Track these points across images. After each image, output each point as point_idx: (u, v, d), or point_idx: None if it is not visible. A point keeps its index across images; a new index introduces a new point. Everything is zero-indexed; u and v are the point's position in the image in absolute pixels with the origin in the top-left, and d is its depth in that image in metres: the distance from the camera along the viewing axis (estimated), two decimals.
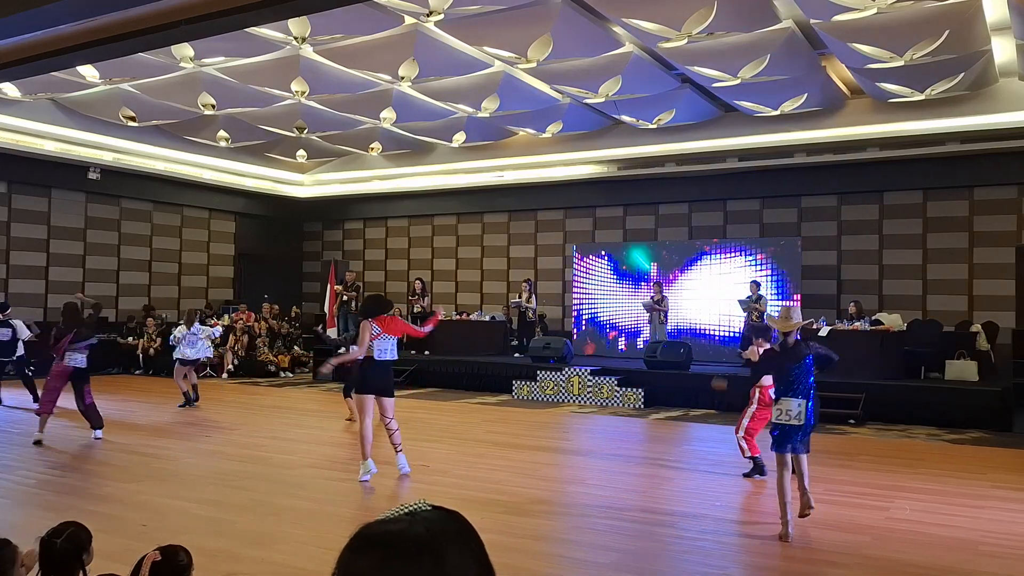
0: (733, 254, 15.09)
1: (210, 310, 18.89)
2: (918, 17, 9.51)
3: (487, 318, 16.47)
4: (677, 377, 12.82)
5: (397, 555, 0.94)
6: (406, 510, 1.01)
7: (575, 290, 16.68)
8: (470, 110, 14.20)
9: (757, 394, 7.39)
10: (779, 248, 14.69)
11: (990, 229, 13.94)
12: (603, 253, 16.44)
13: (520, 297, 15.97)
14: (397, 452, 7.39)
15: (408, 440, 9.33)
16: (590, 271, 16.48)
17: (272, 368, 16.94)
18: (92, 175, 16.91)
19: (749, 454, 7.45)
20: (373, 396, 7.18)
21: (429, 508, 1.02)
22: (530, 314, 15.86)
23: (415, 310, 17.28)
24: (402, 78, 12.02)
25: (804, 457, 5.76)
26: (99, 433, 9.12)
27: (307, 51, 11.68)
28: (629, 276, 16.03)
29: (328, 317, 16.37)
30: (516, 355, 15.46)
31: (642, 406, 12.55)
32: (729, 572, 4.93)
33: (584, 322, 16.46)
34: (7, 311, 12.37)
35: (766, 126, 14.11)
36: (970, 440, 9.97)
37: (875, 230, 14.93)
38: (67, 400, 12.36)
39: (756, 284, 13.90)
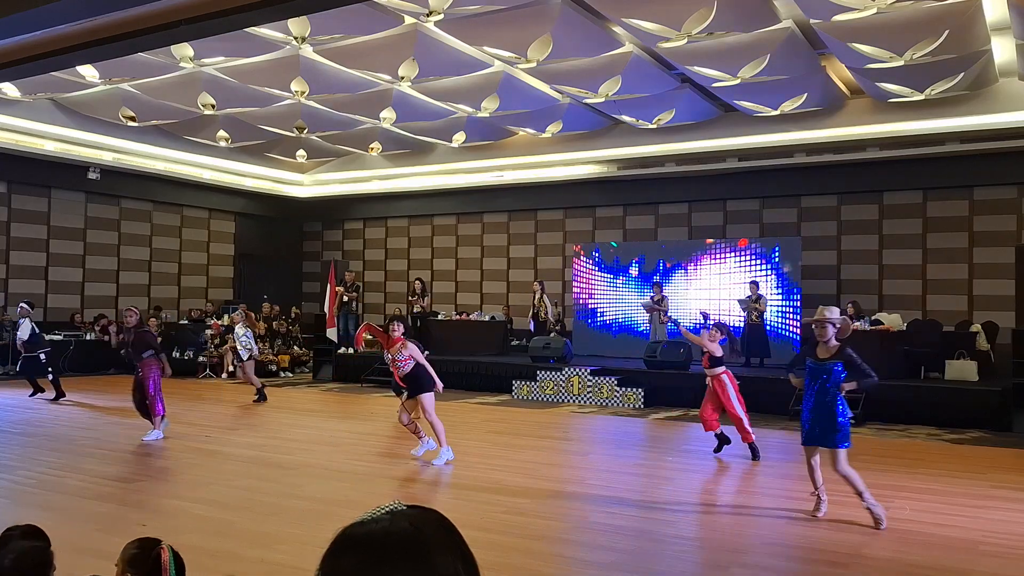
0: (732, 254, 15.11)
1: (211, 307, 18.91)
2: (918, 17, 9.52)
3: (487, 318, 16.47)
4: (677, 377, 12.82)
5: (383, 553, 0.93)
6: (384, 510, 0.99)
7: (575, 289, 16.69)
8: (470, 110, 14.20)
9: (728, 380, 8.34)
10: (779, 247, 14.71)
11: (990, 229, 13.94)
12: (603, 257, 16.44)
13: (534, 299, 16.13)
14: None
15: (408, 440, 9.34)
16: (592, 271, 16.49)
17: (272, 368, 16.94)
18: (92, 175, 16.91)
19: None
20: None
21: (406, 507, 1.01)
22: (543, 315, 15.93)
23: (415, 310, 17.28)
24: (402, 78, 12.02)
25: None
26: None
27: (307, 51, 11.68)
28: (630, 274, 16.04)
29: (328, 317, 16.38)
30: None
31: (642, 406, 12.54)
32: (729, 572, 4.93)
33: (587, 320, 16.47)
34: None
35: (766, 126, 14.11)
36: (970, 440, 9.97)
37: (875, 230, 14.93)
38: (69, 397, 12.39)
39: (755, 284, 13.91)
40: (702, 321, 10.07)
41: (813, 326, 5.94)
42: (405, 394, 8.17)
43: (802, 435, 5.97)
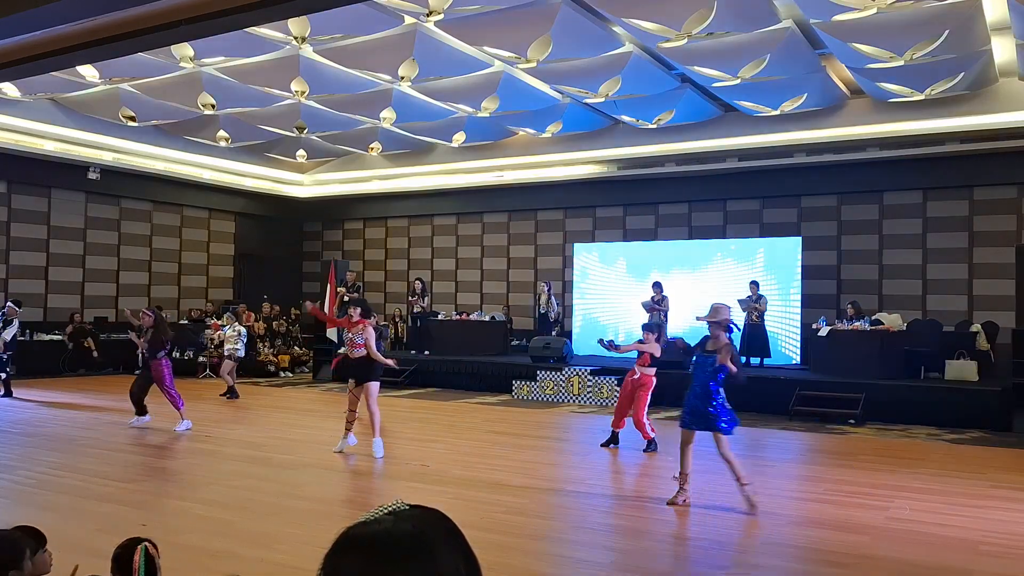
0: (733, 254, 15.11)
1: (211, 307, 18.92)
2: (918, 17, 9.52)
3: (487, 318, 16.48)
4: (677, 377, 12.77)
5: (387, 555, 0.93)
6: (386, 510, 1.00)
7: (575, 289, 16.71)
8: (470, 110, 14.20)
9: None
10: (778, 248, 14.72)
11: (990, 229, 13.94)
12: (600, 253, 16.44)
13: (541, 299, 16.19)
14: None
15: (408, 440, 9.36)
16: (591, 271, 16.49)
17: (272, 368, 16.93)
18: (92, 175, 16.91)
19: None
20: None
21: (408, 507, 1.01)
22: (552, 315, 15.96)
23: (415, 310, 17.28)
24: (402, 78, 12.02)
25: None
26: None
27: (307, 51, 11.68)
28: (631, 274, 16.05)
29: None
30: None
31: None
32: (729, 572, 4.92)
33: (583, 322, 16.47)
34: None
35: (766, 126, 14.10)
36: (970, 440, 9.97)
37: (875, 230, 14.92)
38: (69, 397, 12.39)
39: (755, 284, 13.91)
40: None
41: (709, 325, 6.42)
42: (352, 382, 8.54)
43: (682, 419, 6.46)
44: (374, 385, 8.38)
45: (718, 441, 6.18)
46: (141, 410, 9.92)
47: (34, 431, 9.64)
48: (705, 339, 6.48)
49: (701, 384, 6.29)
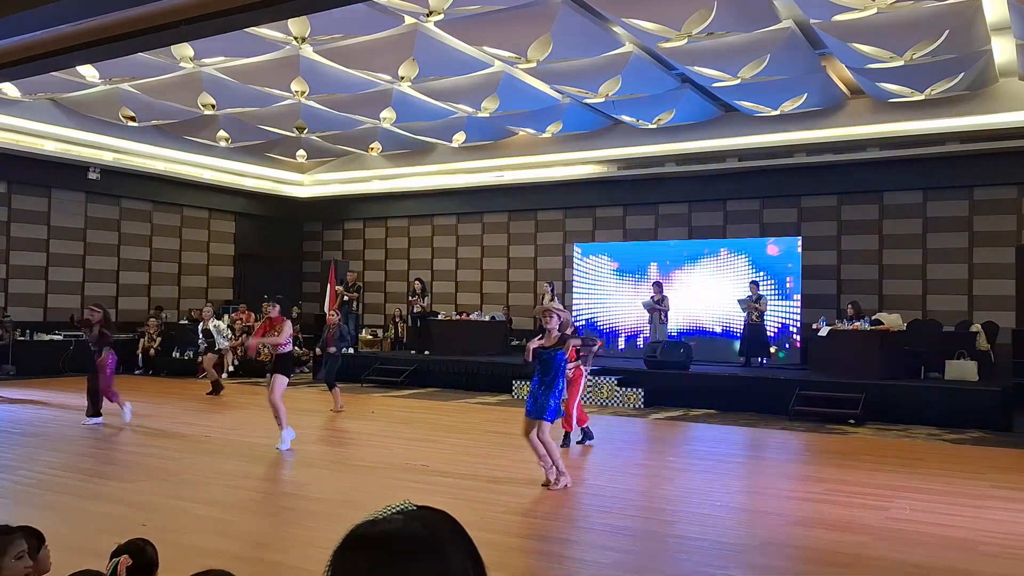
0: (733, 253, 15.12)
1: (211, 306, 18.95)
2: (918, 17, 9.52)
3: (487, 318, 16.47)
4: (677, 377, 12.82)
5: (397, 553, 0.94)
6: (395, 510, 1.00)
7: (575, 289, 16.71)
8: (470, 110, 14.20)
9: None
10: (778, 247, 14.71)
11: (990, 229, 13.94)
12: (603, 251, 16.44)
13: (544, 300, 16.14)
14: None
15: (408, 440, 9.35)
16: (590, 270, 16.48)
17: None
18: (92, 175, 16.91)
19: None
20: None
21: (416, 507, 1.01)
22: None
23: (415, 310, 17.27)
24: (402, 78, 12.03)
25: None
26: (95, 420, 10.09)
27: (307, 51, 11.68)
28: (630, 274, 16.05)
29: (328, 317, 16.36)
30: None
31: (642, 406, 12.54)
32: (729, 572, 4.92)
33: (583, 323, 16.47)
34: None
35: (766, 126, 14.11)
36: (970, 440, 9.96)
37: (875, 230, 14.92)
38: (68, 397, 12.40)
39: (755, 284, 13.93)
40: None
41: (540, 315, 6.93)
42: (269, 375, 8.73)
43: (526, 408, 6.87)
44: (280, 379, 8.52)
45: (541, 428, 6.69)
46: (96, 410, 10.09)
47: (34, 431, 9.64)
48: (540, 334, 6.94)
49: (545, 376, 6.76)
